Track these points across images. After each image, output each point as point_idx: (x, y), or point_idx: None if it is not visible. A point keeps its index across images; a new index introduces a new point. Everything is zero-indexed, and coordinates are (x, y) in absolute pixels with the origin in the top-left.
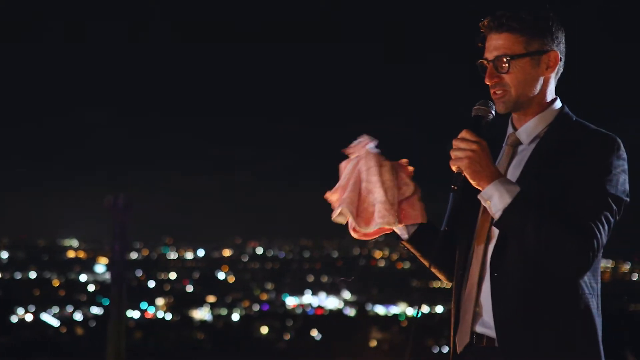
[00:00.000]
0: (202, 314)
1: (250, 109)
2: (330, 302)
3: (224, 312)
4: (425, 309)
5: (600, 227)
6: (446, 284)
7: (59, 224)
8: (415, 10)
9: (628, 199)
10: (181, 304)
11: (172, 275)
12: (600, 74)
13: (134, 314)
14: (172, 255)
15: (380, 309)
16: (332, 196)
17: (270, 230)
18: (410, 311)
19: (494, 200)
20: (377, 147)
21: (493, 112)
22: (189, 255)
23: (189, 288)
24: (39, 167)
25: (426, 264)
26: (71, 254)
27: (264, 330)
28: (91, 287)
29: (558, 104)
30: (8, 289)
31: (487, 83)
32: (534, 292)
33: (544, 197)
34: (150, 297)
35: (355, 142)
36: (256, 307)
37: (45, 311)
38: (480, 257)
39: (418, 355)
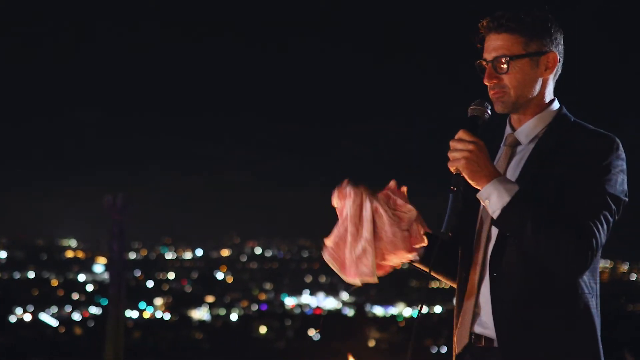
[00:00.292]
0: (200, 313)
1: (250, 109)
2: (329, 303)
3: (222, 312)
4: (424, 309)
5: (599, 227)
6: (444, 284)
7: (58, 223)
8: (415, 11)
9: (627, 199)
10: (180, 303)
11: (171, 275)
12: (600, 74)
13: (133, 313)
14: (171, 255)
15: (378, 310)
16: (328, 241)
17: (268, 230)
18: (409, 312)
19: (493, 199)
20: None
21: (489, 112)
22: (188, 255)
23: (188, 288)
24: (38, 167)
25: (440, 278)
26: (70, 254)
27: (263, 330)
28: (90, 287)
29: (556, 104)
30: (6, 288)
31: (486, 83)
32: (533, 292)
33: (542, 197)
34: (149, 297)
35: (338, 189)
36: (255, 307)
37: (43, 311)
38: (480, 257)
39: (417, 355)
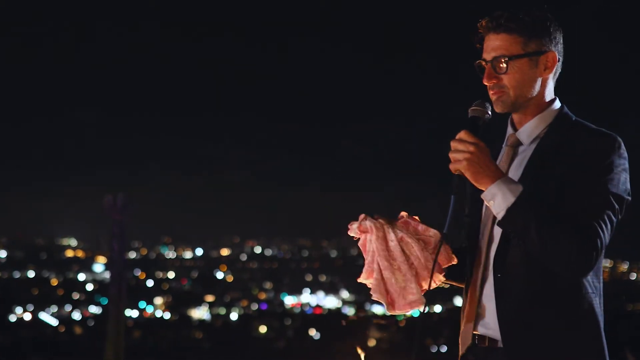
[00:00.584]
0: (200, 313)
1: (250, 109)
2: (329, 301)
3: (222, 311)
4: (424, 309)
5: (603, 226)
6: (444, 284)
7: (58, 223)
8: (415, 11)
9: (630, 198)
10: (180, 303)
11: (171, 275)
12: (600, 74)
13: (133, 313)
14: (171, 255)
15: (378, 309)
16: (365, 280)
17: (268, 229)
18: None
19: (497, 200)
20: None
21: (490, 112)
22: (188, 255)
23: (187, 287)
24: (38, 167)
25: (452, 283)
26: (70, 253)
27: (263, 329)
28: (90, 286)
29: (557, 104)
30: (7, 288)
31: (485, 84)
32: (537, 292)
33: (545, 197)
34: (149, 296)
35: (356, 224)
36: (255, 307)
37: (43, 310)
38: (484, 258)
39: (417, 354)
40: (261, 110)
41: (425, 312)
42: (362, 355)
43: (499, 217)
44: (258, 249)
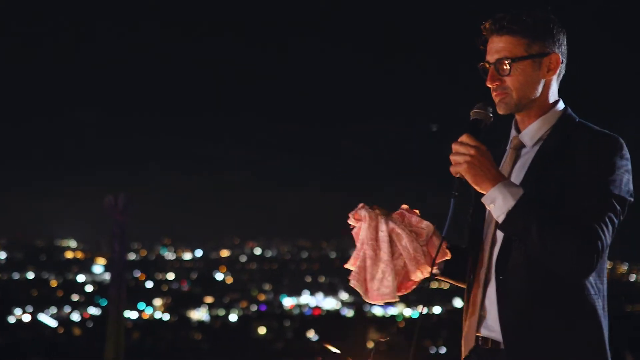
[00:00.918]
0: (199, 314)
1: (250, 109)
2: (328, 303)
3: (221, 312)
4: (423, 310)
5: (605, 228)
6: (444, 285)
7: (58, 224)
8: (415, 11)
9: (632, 199)
10: (179, 304)
11: (170, 276)
12: (600, 75)
13: (132, 314)
14: (170, 256)
15: (377, 310)
16: (349, 266)
17: (268, 230)
18: (409, 312)
19: (498, 203)
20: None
21: (492, 115)
22: (187, 256)
23: (187, 288)
24: (38, 167)
25: (453, 282)
26: (69, 255)
27: (262, 330)
28: (89, 288)
29: (561, 105)
30: (6, 289)
31: (489, 86)
32: (539, 294)
33: (547, 199)
34: (148, 297)
35: (353, 212)
36: (254, 308)
37: (43, 312)
38: (486, 260)
39: (416, 356)
40: (261, 110)
41: (424, 313)
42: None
43: (499, 220)
44: (258, 251)
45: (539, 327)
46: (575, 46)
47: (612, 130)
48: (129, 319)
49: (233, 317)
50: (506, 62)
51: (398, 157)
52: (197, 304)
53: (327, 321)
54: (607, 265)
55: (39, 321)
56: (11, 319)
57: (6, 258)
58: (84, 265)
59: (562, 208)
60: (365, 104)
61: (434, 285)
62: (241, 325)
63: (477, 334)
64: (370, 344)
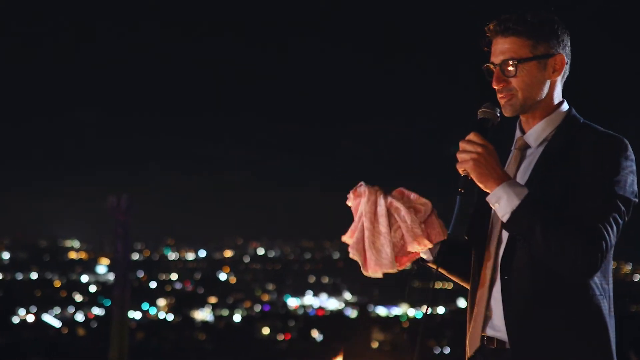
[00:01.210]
0: (203, 314)
1: (250, 109)
2: (332, 303)
3: (225, 312)
4: (427, 310)
5: (609, 229)
6: (448, 285)
7: (59, 224)
8: (415, 11)
9: (637, 200)
10: (183, 304)
11: (174, 276)
12: (600, 75)
13: (136, 314)
14: (174, 256)
15: (381, 310)
16: (347, 239)
17: (268, 230)
18: (413, 312)
19: (502, 202)
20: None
21: (499, 115)
22: (191, 256)
23: (190, 289)
24: (38, 167)
25: (455, 280)
26: (72, 255)
27: (266, 331)
28: (93, 288)
29: (565, 106)
30: (9, 289)
31: (495, 87)
32: (544, 295)
33: (552, 200)
34: (152, 298)
35: (353, 190)
36: (257, 308)
37: (46, 312)
38: (492, 260)
39: (420, 356)
40: (261, 110)
41: (427, 313)
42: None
43: (504, 219)
44: (261, 251)
45: (544, 327)
46: (575, 46)
47: (613, 131)
48: (132, 319)
49: (237, 317)
50: (512, 63)
51: (398, 157)
52: (201, 304)
53: (330, 321)
54: (612, 265)
55: (43, 321)
56: (15, 319)
57: (10, 258)
58: (88, 266)
59: (566, 208)
60: (365, 104)
61: (438, 285)
62: (245, 325)
63: (483, 334)
64: (375, 344)
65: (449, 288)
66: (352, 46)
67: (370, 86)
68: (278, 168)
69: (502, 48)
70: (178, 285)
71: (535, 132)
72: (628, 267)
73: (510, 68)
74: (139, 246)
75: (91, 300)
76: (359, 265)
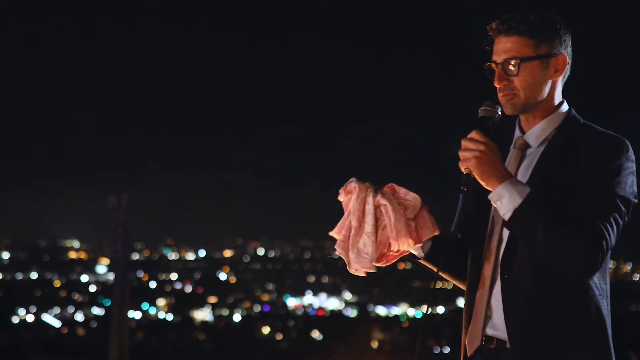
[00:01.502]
0: (203, 314)
1: (250, 109)
2: (331, 303)
3: (225, 312)
4: (427, 310)
5: (610, 229)
6: (448, 284)
7: (59, 224)
8: (415, 11)
9: (637, 200)
10: (182, 304)
11: (174, 276)
12: (600, 75)
13: (136, 314)
14: (174, 256)
15: (381, 310)
16: (334, 234)
17: (269, 230)
18: (412, 312)
19: (504, 201)
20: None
21: (500, 113)
22: (190, 256)
23: (190, 289)
24: (38, 167)
25: (447, 277)
26: (72, 255)
27: (266, 330)
28: (92, 288)
29: (565, 106)
30: (9, 289)
31: (496, 86)
32: (545, 294)
33: (553, 199)
34: (152, 297)
35: (344, 185)
36: (257, 308)
37: (46, 312)
38: (492, 259)
39: (420, 355)
40: (261, 110)
41: (427, 312)
42: None
43: (506, 218)
44: (261, 251)
45: (545, 326)
46: (575, 46)
47: (613, 131)
48: (132, 319)
49: (237, 317)
50: (514, 62)
51: (398, 157)
52: (201, 304)
53: (330, 321)
54: (611, 265)
55: (43, 321)
56: (15, 319)
57: (9, 258)
58: (88, 266)
59: (567, 208)
60: (365, 104)
61: (438, 285)
62: (245, 325)
63: (483, 333)
64: (375, 344)
65: (449, 288)
66: (352, 46)
67: (370, 86)
68: (278, 168)
69: (504, 47)
70: (178, 285)
71: (536, 132)
72: (628, 267)
73: (513, 67)
74: (139, 246)
75: (91, 300)
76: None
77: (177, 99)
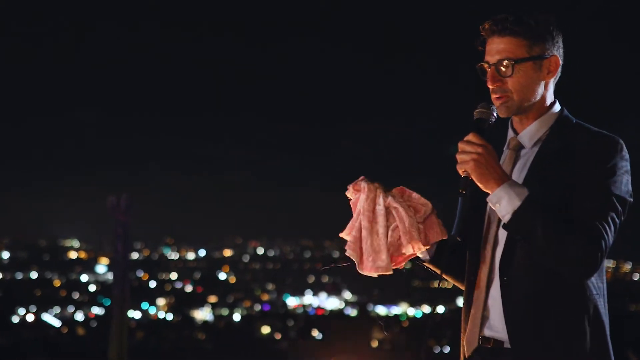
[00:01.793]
0: (203, 314)
1: (250, 109)
2: (331, 303)
3: (225, 312)
4: (426, 309)
5: (607, 228)
6: (448, 284)
7: (59, 224)
8: (415, 11)
9: (632, 200)
10: (182, 304)
11: (173, 276)
12: (600, 75)
13: (135, 314)
14: (173, 256)
15: (381, 309)
16: (345, 235)
17: (269, 230)
18: (412, 311)
19: (503, 203)
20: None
21: (495, 115)
22: (190, 256)
23: (190, 288)
24: (38, 167)
25: (449, 279)
26: (72, 255)
27: (265, 330)
28: (92, 288)
29: (557, 107)
30: (9, 289)
31: (490, 86)
32: (543, 295)
33: (549, 200)
34: (152, 297)
35: (353, 183)
36: (257, 307)
37: (46, 311)
38: (488, 261)
39: (420, 355)
40: (261, 110)
41: (432, 312)
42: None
43: (505, 220)
44: (260, 250)
45: (544, 327)
46: (575, 46)
47: (612, 131)
48: (132, 318)
49: (237, 317)
50: (508, 63)
51: (398, 157)
52: (201, 303)
53: (330, 321)
54: (611, 264)
55: (43, 321)
56: (15, 319)
57: (9, 258)
58: (87, 265)
59: (563, 209)
60: (365, 104)
61: (438, 285)
62: (245, 324)
63: (480, 334)
64: (375, 344)
65: (449, 287)
66: (352, 46)
67: (370, 86)
68: (278, 168)
69: (498, 48)
70: (178, 285)
71: (529, 133)
72: (627, 266)
73: (506, 68)
74: (139, 245)
75: (91, 300)
76: (355, 263)
77: (177, 99)
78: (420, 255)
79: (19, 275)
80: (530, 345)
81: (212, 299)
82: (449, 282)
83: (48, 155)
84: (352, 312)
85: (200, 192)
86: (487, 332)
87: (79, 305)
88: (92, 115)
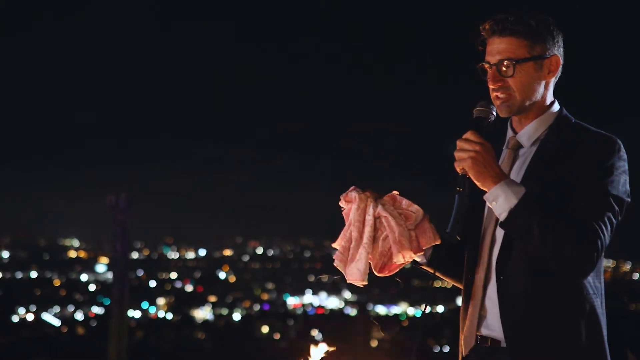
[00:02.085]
0: (203, 313)
1: (250, 109)
2: (331, 302)
3: (225, 311)
4: (427, 309)
5: (604, 228)
6: (447, 283)
7: (59, 223)
8: (415, 11)
9: (629, 199)
10: (182, 303)
11: (173, 275)
12: (600, 75)
13: (135, 313)
14: (173, 255)
15: (381, 309)
16: (337, 245)
17: (270, 229)
18: (412, 311)
19: (500, 201)
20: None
21: (494, 113)
22: (190, 255)
23: (190, 288)
24: (38, 167)
25: (447, 279)
26: (72, 254)
27: (265, 329)
28: (92, 287)
29: (556, 106)
30: (9, 288)
31: (491, 86)
32: (540, 294)
33: (547, 199)
34: (151, 296)
35: (344, 194)
36: (257, 307)
37: (46, 311)
38: (486, 260)
39: (419, 354)
40: (261, 110)
41: (426, 312)
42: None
43: (501, 218)
44: (260, 250)
45: (541, 326)
46: (575, 46)
47: (612, 131)
48: (132, 318)
49: (236, 316)
50: (509, 63)
51: (398, 157)
52: (201, 303)
53: (330, 320)
54: (611, 264)
55: (43, 320)
56: (15, 318)
57: (9, 257)
58: (87, 265)
59: (561, 208)
60: (365, 104)
61: (437, 284)
62: (244, 324)
63: (477, 333)
64: (374, 343)
65: (448, 287)
66: (352, 46)
67: (370, 86)
68: (278, 168)
69: (498, 48)
70: (178, 284)
71: (528, 132)
72: (627, 266)
73: (507, 68)
74: (139, 245)
75: (91, 299)
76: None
77: (177, 99)
78: (417, 259)
79: (19, 275)
80: (526, 345)
81: (212, 298)
82: (449, 282)
83: (48, 155)
84: (352, 311)
85: (200, 192)
86: (484, 331)
87: (78, 305)
88: (92, 116)
